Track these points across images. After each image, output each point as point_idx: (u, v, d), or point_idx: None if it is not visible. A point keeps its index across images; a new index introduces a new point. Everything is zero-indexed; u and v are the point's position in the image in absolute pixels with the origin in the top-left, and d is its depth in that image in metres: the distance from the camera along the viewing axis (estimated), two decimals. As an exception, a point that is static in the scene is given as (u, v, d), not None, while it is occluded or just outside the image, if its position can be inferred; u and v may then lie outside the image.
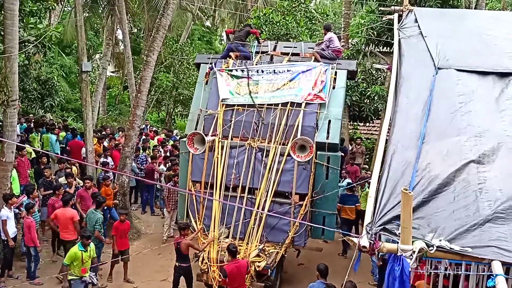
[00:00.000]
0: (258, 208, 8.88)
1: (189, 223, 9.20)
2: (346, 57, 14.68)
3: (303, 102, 9.46)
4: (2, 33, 10.55)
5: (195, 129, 9.77)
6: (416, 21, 9.03)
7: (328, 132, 9.25)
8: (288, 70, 9.95)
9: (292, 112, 9.39)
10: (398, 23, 9.26)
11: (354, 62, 11.22)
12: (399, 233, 4.69)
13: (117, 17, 20.26)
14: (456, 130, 6.26)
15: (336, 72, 9.95)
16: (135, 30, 28.38)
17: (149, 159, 14.59)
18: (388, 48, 15.56)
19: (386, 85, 15.45)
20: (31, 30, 13.76)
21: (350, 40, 16.93)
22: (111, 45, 22.17)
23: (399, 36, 8.50)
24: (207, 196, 9.26)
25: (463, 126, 6.28)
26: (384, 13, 11.90)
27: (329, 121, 9.34)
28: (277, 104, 9.55)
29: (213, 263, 8.51)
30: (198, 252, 8.76)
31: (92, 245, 8.68)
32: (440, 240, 4.69)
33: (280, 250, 8.86)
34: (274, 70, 10.01)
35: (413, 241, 4.65)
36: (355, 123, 19.39)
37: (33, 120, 17.32)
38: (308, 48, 10.83)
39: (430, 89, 6.94)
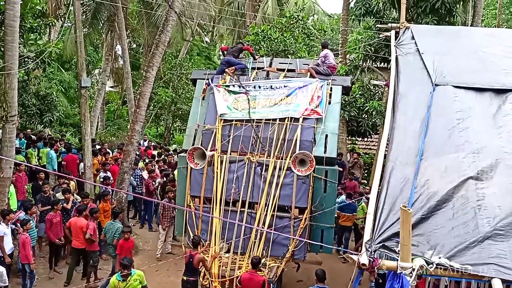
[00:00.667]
0: (258, 222, 8.96)
1: (201, 238, 9.14)
2: (344, 73, 14.82)
3: (300, 117, 9.58)
4: (2, 49, 10.61)
5: (193, 144, 9.80)
6: (413, 38, 9.15)
7: (325, 146, 9.38)
8: (285, 86, 10.09)
9: (290, 127, 9.51)
10: (395, 40, 9.38)
11: (348, 78, 11.43)
12: (398, 251, 4.68)
13: (117, 33, 20.43)
14: (454, 146, 6.29)
15: (331, 88, 10.12)
16: (134, 46, 28.60)
17: (144, 175, 14.43)
18: (386, 63, 15.71)
19: (383, 100, 15.55)
20: (31, 46, 13.85)
21: (347, 56, 17.09)
22: (111, 60, 22.33)
23: (396, 53, 8.60)
24: (206, 214, 9.22)
25: (461, 143, 6.32)
26: (381, 30, 12.04)
27: (326, 136, 9.47)
28: (275, 119, 9.66)
29: (215, 279, 8.49)
30: (200, 268, 8.76)
31: (139, 273, 8.37)
32: (439, 258, 4.68)
33: (281, 264, 8.83)
34: (271, 86, 10.17)
35: (412, 259, 4.64)
36: (353, 138, 19.44)
37: (30, 136, 17.27)
38: (303, 64, 11.03)
39: (427, 105, 7.00)
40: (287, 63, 11.13)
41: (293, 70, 10.77)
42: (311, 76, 10.33)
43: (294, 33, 16.72)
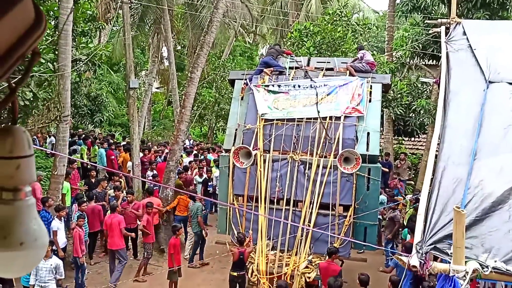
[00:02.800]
0: (304, 220, 9.06)
1: (245, 235, 9.29)
2: (390, 71, 14.46)
3: (342, 115, 9.57)
4: (57, 52, 11.12)
5: (233, 143, 9.96)
6: (464, 33, 8.80)
7: (367, 144, 9.36)
8: (325, 85, 10.08)
9: (331, 125, 9.51)
10: (446, 36, 9.05)
11: (388, 76, 11.37)
12: (451, 253, 4.53)
13: (163, 35, 20.92)
14: (510, 145, 6.01)
15: (371, 86, 10.06)
16: (179, 48, 29.16)
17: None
18: (434, 60, 15.21)
19: (432, 99, 15.05)
20: (82, 49, 14.41)
21: (394, 53, 16.68)
22: (157, 62, 22.88)
23: (447, 50, 8.30)
24: (250, 211, 9.34)
25: (518, 142, 6.03)
26: (430, 25, 11.67)
27: (368, 133, 9.45)
28: (316, 118, 9.67)
29: (263, 275, 8.66)
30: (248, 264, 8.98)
31: None
32: (495, 261, 4.49)
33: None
34: (311, 85, 10.15)
35: (466, 261, 4.47)
36: (399, 138, 18.95)
37: (82, 135, 18.02)
38: (342, 62, 10.99)
39: (481, 103, 6.71)
40: (325, 62, 11.11)
41: (331, 69, 10.75)
42: (350, 74, 10.28)
43: (337, 30, 16.48)
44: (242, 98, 10.58)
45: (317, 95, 9.87)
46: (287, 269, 8.51)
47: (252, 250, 8.91)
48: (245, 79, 10.73)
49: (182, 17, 24.95)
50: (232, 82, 11.40)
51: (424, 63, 16.27)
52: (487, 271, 4.46)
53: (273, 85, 10.32)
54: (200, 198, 12.06)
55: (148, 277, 10.69)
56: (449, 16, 9.65)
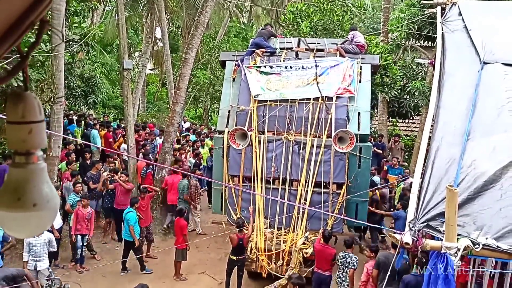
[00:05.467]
0: (300, 198, 9.34)
1: (243, 219, 9.43)
2: (386, 52, 14.45)
3: (334, 96, 9.76)
4: (49, 33, 10.96)
5: (227, 125, 10.07)
6: (460, 14, 8.81)
7: (358, 124, 9.62)
8: (316, 66, 10.24)
9: (324, 106, 9.69)
10: (441, 16, 9.05)
11: (377, 56, 11.67)
12: (443, 230, 4.62)
13: (156, 16, 20.66)
14: (503, 126, 6.09)
15: (361, 67, 10.30)
16: (173, 28, 28.83)
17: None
18: (430, 42, 15.19)
19: (427, 80, 15.08)
20: (75, 29, 14.23)
21: (389, 35, 16.62)
22: (150, 43, 22.64)
23: (442, 30, 8.31)
24: (247, 190, 9.51)
25: (511, 122, 6.10)
26: (426, 6, 11.64)
27: (359, 113, 9.69)
28: (308, 99, 9.82)
29: (261, 253, 8.98)
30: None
31: None
32: (486, 238, 4.59)
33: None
34: (303, 66, 10.33)
35: (458, 239, 4.57)
36: (394, 120, 19.02)
37: (74, 116, 17.83)
38: (331, 43, 11.21)
39: (475, 84, 6.77)
40: (315, 43, 11.28)
41: (322, 50, 10.94)
42: (340, 55, 10.50)
43: (333, 11, 16.33)
44: (233, 80, 10.64)
45: (316, 75, 10.01)
46: (285, 245, 8.82)
47: (250, 236, 9.05)
48: (237, 60, 10.79)
49: (176, -3, 24.63)
50: (223, 64, 11.46)
51: (419, 44, 16.23)
52: (478, 248, 4.57)
53: (265, 66, 10.45)
54: (194, 176, 12.03)
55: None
56: (445, -3, 9.62)
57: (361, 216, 9.60)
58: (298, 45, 11.14)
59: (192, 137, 17.82)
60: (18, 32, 0.98)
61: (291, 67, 10.37)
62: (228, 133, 9.64)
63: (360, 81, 10.08)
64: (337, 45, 10.89)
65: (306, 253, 8.76)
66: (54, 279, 8.04)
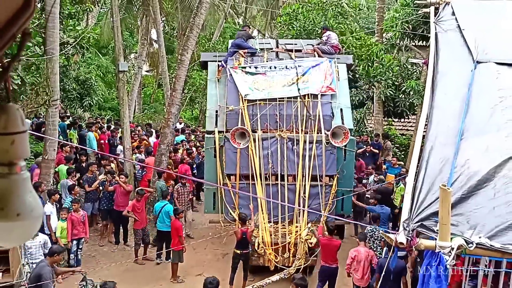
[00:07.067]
0: (299, 192, 9.83)
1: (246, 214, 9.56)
2: (382, 52, 14.56)
3: (319, 93, 10.25)
4: (44, 35, 10.95)
5: (216, 125, 10.25)
6: (453, 14, 8.85)
7: (342, 119, 10.19)
8: (299, 66, 10.71)
9: (310, 104, 10.20)
10: (435, 16, 9.09)
11: (350, 56, 12.48)
12: (437, 230, 4.65)
13: (152, 17, 20.67)
14: (496, 125, 6.12)
15: (337, 66, 10.90)
16: (169, 30, 28.81)
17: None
18: (424, 41, 15.24)
19: (422, 80, 15.12)
20: (70, 32, 14.19)
21: (384, 34, 16.67)
22: (146, 44, 22.65)
23: (435, 30, 8.35)
24: (251, 189, 9.77)
25: (503, 121, 6.14)
26: (420, 6, 11.68)
27: (341, 109, 10.31)
28: (296, 97, 10.23)
29: (268, 247, 9.29)
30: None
31: None
32: (480, 237, 4.62)
33: (318, 227, 9.58)
34: (286, 66, 10.77)
35: (451, 238, 4.59)
36: (389, 119, 19.07)
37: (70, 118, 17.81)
38: (307, 44, 11.78)
39: (468, 84, 6.80)
40: (293, 44, 11.79)
41: (299, 50, 11.44)
42: (318, 55, 11.05)
43: (327, 12, 16.37)
44: (218, 80, 10.72)
45: (297, 75, 10.48)
46: (290, 238, 9.31)
47: (254, 229, 9.32)
48: (219, 61, 11.00)
49: (171, -2, 24.61)
50: (204, 65, 11.59)
51: (414, 44, 16.28)
52: (472, 247, 4.59)
53: (250, 67, 10.81)
54: (189, 180, 12.02)
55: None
56: (439, -3, 9.65)
57: (347, 204, 10.38)
58: (277, 46, 11.63)
59: (181, 137, 17.72)
60: (-1, 45, 0.99)
61: (275, 67, 10.82)
62: (229, 132, 9.84)
63: (338, 80, 10.64)
64: (313, 46, 11.51)
65: (311, 243, 9.25)
66: (87, 279, 7.92)
